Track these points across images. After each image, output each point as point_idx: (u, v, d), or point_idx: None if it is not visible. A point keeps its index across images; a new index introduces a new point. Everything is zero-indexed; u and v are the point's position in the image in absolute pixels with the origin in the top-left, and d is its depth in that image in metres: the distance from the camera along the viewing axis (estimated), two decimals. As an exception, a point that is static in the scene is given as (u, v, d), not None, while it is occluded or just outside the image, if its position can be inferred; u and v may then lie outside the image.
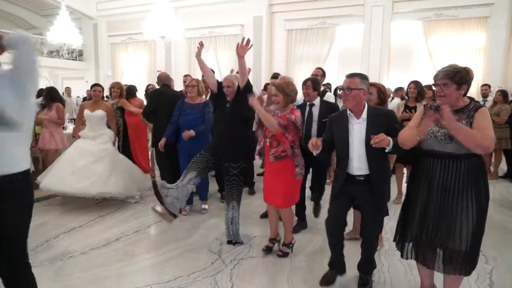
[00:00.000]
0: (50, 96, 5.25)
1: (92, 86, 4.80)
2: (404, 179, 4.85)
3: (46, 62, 13.99)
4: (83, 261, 3.07)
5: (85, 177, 4.13)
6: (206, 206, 4.33)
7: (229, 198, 3.33)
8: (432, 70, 9.40)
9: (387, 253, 3.24)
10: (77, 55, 14.87)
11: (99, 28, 14.45)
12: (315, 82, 3.61)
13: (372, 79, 6.93)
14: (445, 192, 2.15)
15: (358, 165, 2.48)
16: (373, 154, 2.41)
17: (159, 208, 3.03)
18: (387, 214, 3.16)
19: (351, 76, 2.49)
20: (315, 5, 10.49)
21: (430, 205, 2.21)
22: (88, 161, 4.26)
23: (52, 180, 4.20)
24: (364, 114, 2.46)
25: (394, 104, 5.84)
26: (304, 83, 3.62)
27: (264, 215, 3.98)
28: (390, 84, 9.58)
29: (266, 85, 5.17)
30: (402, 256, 2.42)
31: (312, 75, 4.83)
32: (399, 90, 6.79)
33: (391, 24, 9.92)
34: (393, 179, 5.18)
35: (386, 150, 2.32)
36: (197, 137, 3.89)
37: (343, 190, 2.57)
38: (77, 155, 4.33)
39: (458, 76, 2.09)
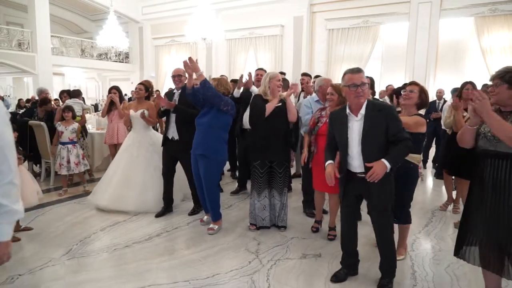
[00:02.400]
0: (120, 94, 5.64)
1: (137, 85, 4.68)
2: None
3: (95, 65, 14.86)
4: (127, 253, 3.20)
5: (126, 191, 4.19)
6: (215, 227, 3.71)
7: (282, 187, 3.64)
8: (484, 70, 8.83)
9: (431, 262, 3.08)
10: (124, 57, 15.61)
11: (144, 31, 15.08)
12: (372, 81, 3.84)
13: (417, 80, 6.68)
14: (496, 192, 2.09)
15: (358, 163, 2.48)
16: (369, 152, 2.42)
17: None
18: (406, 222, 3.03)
19: (358, 71, 2.47)
20: (358, 4, 10.24)
21: (483, 205, 2.15)
22: (127, 174, 4.26)
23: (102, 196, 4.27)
24: (363, 111, 2.44)
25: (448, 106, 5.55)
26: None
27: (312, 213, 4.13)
28: (437, 85, 9.12)
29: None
30: (465, 260, 2.29)
31: None
32: (455, 91, 6.32)
33: (439, 22, 9.44)
34: (441, 183, 4.96)
35: (388, 171, 2.34)
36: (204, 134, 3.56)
37: (347, 191, 2.62)
38: (123, 169, 4.31)
39: (508, 76, 2.08)
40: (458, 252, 2.31)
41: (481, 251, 2.20)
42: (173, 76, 4.08)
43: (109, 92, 5.61)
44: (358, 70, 2.48)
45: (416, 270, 2.92)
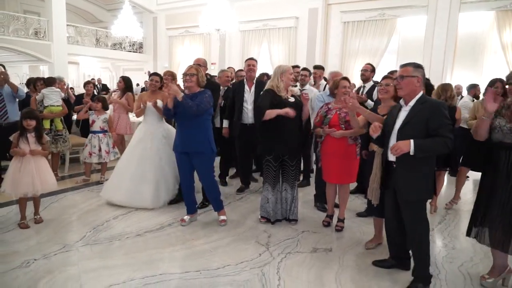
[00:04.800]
0: (126, 85, 5.61)
1: (150, 75, 4.52)
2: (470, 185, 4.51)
3: (109, 54, 14.97)
4: (139, 242, 3.24)
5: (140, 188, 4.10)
6: (225, 218, 3.74)
7: (294, 180, 3.67)
8: (504, 66, 8.59)
9: (445, 260, 3.04)
10: (138, 47, 15.68)
11: (159, 21, 15.11)
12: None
13: (434, 75, 6.51)
14: (509, 180, 2.36)
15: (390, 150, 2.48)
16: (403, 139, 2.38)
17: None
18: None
19: (404, 65, 2.56)
20: (375, -4, 10.04)
21: (498, 192, 2.41)
22: (142, 170, 4.14)
23: (115, 191, 4.19)
24: (412, 102, 2.47)
25: (465, 102, 5.47)
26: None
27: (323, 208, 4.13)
28: (454, 81, 8.93)
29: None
30: (477, 240, 2.59)
31: (362, 70, 4.75)
32: (472, 87, 6.18)
33: (458, 15, 9.20)
34: (453, 180, 4.86)
35: (411, 154, 2.31)
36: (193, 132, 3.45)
37: (386, 184, 2.64)
38: (136, 164, 4.17)
39: None
40: (470, 232, 2.63)
41: (491, 232, 2.46)
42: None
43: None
44: (402, 65, 2.56)
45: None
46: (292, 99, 3.53)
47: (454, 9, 9.18)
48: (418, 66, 2.51)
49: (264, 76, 5.79)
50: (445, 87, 4.02)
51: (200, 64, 4.15)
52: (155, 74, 4.47)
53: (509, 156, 2.37)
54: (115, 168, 4.39)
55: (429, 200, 3.81)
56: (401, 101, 2.57)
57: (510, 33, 8.56)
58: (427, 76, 6.27)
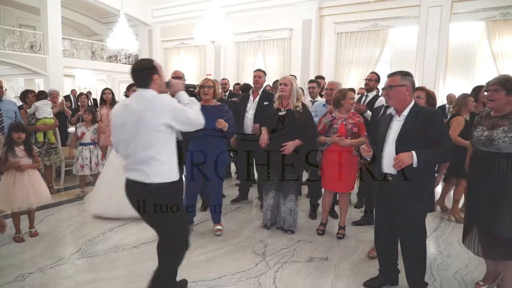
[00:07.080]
0: (113, 97, 5.65)
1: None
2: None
3: (105, 67, 15.03)
4: (135, 254, 3.23)
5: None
6: (221, 227, 3.76)
7: (286, 193, 3.64)
8: (495, 74, 8.72)
9: (440, 267, 3.05)
10: (133, 59, 15.73)
11: (154, 34, 15.22)
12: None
13: (427, 84, 6.56)
14: (488, 185, 2.39)
15: (387, 161, 2.43)
16: (403, 152, 2.31)
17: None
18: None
19: (391, 75, 2.54)
20: (367, 7, 10.19)
21: (479, 197, 2.46)
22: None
23: (99, 204, 4.12)
24: (406, 112, 2.43)
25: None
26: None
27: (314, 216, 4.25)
28: (447, 90, 9.05)
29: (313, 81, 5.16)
30: (474, 253, 2.60)
31: (366, 79, 4.67)
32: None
33: (449, 26, 9.36)
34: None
35: (414, 166, 2.26)
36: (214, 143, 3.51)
37: (380, 195, 2.58)
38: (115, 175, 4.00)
39: (509, 84, 2.33)
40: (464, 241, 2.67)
41: (481, 242, 2.48)
42: (173, 78, 4.21)
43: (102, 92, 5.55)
44: (390, 75, 2.55)
45: (424, 275, 2.90)
46: (283, 112, 3.54)
47: (445, 19, 9.34)
48: (406, 74, 2.47)
49: (267, 86, 5.84)
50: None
51: (181, 76, 4.29)
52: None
53: (505, 164, 2.34)
54: (97, 181, 4.34)
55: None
56: (392, 111, 2.52)
57: (500, 42, 8.71)
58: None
